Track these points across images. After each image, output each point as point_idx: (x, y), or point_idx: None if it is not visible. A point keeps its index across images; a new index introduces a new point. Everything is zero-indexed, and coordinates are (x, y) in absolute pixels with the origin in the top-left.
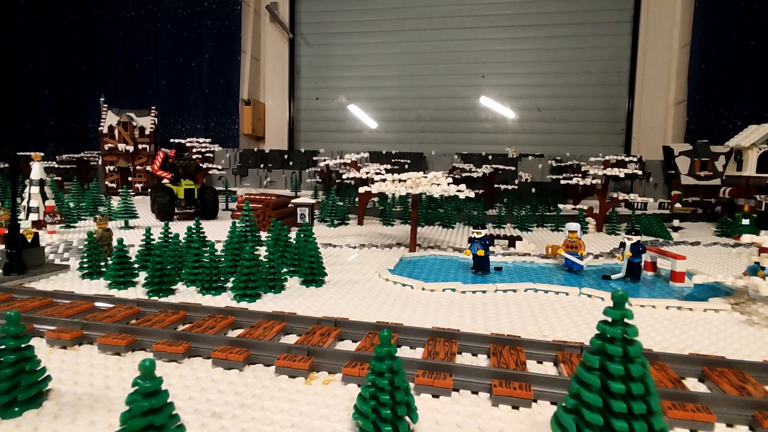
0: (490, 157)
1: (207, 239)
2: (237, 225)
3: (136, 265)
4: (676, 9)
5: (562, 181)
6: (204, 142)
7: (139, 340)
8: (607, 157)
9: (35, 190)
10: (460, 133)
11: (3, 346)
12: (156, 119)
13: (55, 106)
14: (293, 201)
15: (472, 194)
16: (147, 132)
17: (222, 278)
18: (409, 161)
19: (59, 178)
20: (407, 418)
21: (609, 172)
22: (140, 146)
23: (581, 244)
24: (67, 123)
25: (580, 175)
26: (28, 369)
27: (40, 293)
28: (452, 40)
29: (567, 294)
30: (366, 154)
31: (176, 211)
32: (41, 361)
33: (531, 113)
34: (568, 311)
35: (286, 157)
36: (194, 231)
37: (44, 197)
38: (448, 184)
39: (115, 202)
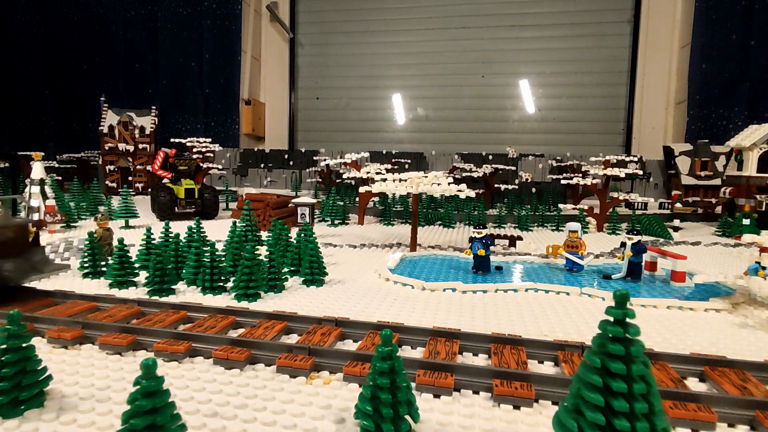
0: (490, 157)
1: (207, 239)
2: (237, 225)
3: (136, 265)
4: (676, 9)
5: (563, 181)
6: (204, 142)
7: (140, 339)
8: (607, 157)
9: (36, 189)
10: (461, 133)
11: (4, 346)
12: (156, 119)
13: (55, 106)
14: (294, 201)
15: (472, 194)
16: (147, 132)
17: (223, 278)
18: (409, 161)
19: (60, 178)
20: (408, 418)
21: (609, 172)
22: (140, 146)
23: (582, 244)
24: (67, 123)
25: (580, 175)
26: (29, 369)
27: (41, 293)
28: (452, 40)
29: (568, 294)
30: (366, 154)
31: (176, 210)
32: (42, 360)
33: (531, 113)
34: (568, 311)
35: (286, 156)
36: (195, 231)
37: (45, 197)
38: (449, 183)
39: (116, 201)
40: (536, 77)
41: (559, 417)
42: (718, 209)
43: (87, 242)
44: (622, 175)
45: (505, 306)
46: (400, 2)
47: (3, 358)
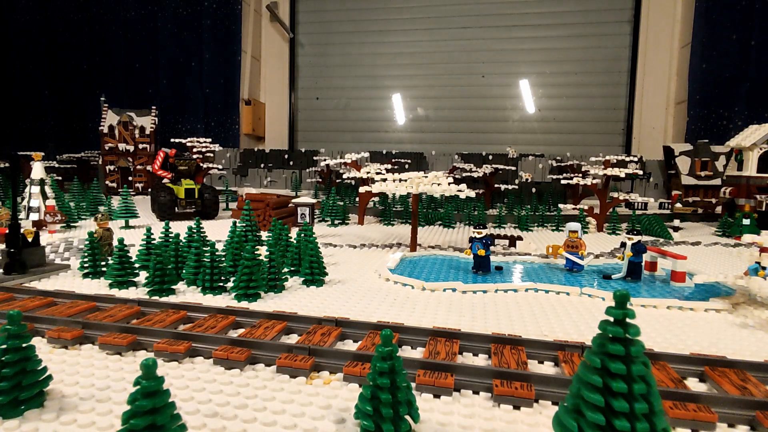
0: (490, 157)
1: (207, 239)
2: (237, 225)
3: (136, 265)
4: (676, 9)
5: (563, 181)
6: (204, 142)
7: (140, 339)
8: (607, 157)
9: (36, 189)
10: (461, 133)
11: (4, 346)
12: (156, 119)
13: (55, 106)
14: (294, 201)
15: (472, 194)
16: (147, 132)
17: (223, 278)
18: (409, 161)
19: (60, 178)
20: (408, 418)
21: (609, 172)
22: (140, 146)
23: (582, 244)
24: (67, 123)
25: (580, 175)
26: (30, 369)
27: (41, 293)
28: (452, 40)
29: (568, 294)
30: (366, 154)
31: (176, 210)
32: (42, 360)
33: (531, 113)
34: (568, 311)
35: (286, 156)
36: (195, 231)
37: (45, 197)
38: (449, 183)
39: (116, 201)
40: (536, 77)
41: (559, 417)
42: (718, 209)
43: (87, 242)
44: (622, 175)
45: (505, 306)
46: (400, 2)
47: (3, 358)
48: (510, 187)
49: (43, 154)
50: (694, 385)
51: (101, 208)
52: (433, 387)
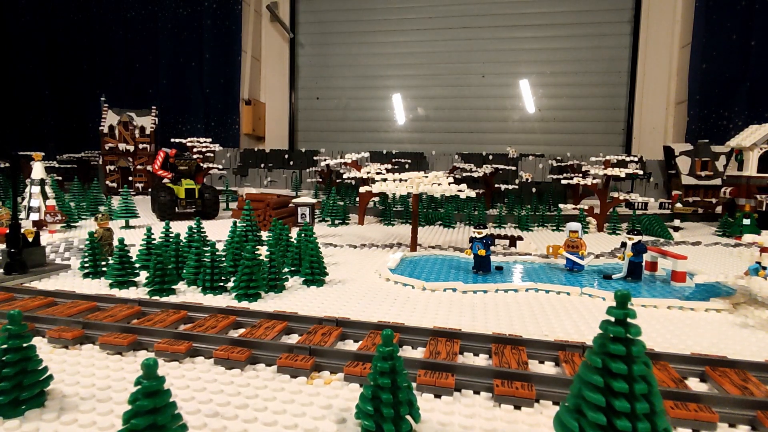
0: (490, 157)
1: (208, 239)
2: (238, 225)
3: (137, 265)
4: (676, 9)
5: (563, 181)
6: (204, 142)
7: (141, 339)
8: (607, 157)
9: (36, 189)
10: (461, 133)
11: (5, 346)
12: (156, 119)
13: (55, 106)
14: (294, 201)
15: (472, 194)
16: (147, 132)
17: (223, 278)
18: (409, 161)
19: (60, 178)
20: (409, 418)
21: (609, 172)
22: (140, 146)
23: (582, 244)
24: (67, 123)
25: (580, 174)
26: (30, 369)
27: (42, 293)
28: (452, 40)
29: (568, 294)
30: (366, 154)
31: (176, 210)
32: (43, 360)
33: (531, 113)
34: (569, 311)
35: (286, 156)
36: (195, 231)
37: (45, 197)
38: (449, 183)
39: (116, 201)
40: (536, 77)
41: (560, 417)
42: (719, 209)
43: (87, 242)
44: (623, 175)
45: (506, 306)
46: (400, 2)
47: (4, 358)
48: (510, 187)
49: (43, 154)
50: (695, 385)
51: (101, 208)
52: (434, 387)
